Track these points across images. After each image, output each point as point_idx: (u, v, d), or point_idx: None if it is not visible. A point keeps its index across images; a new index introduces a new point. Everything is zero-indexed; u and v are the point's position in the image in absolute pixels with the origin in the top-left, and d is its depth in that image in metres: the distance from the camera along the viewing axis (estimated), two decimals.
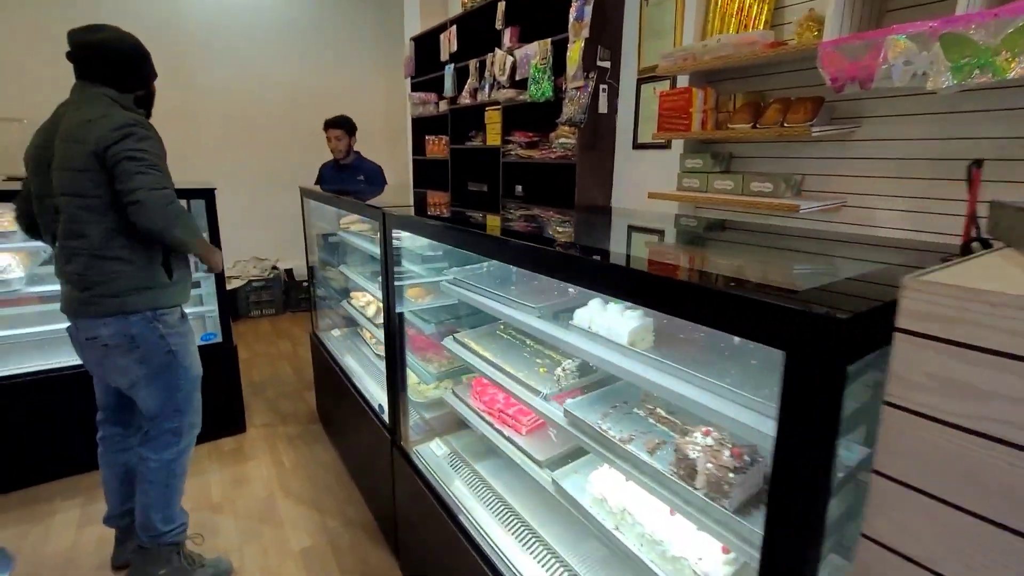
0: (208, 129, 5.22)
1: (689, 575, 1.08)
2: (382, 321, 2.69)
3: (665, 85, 3.06)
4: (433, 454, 1.96)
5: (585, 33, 3.08)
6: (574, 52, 3.16)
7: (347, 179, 4.06)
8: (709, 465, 0.95)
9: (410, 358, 2.12)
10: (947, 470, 0.54)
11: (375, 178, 4.12)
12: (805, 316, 0.59)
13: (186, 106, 4.99)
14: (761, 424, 0.84)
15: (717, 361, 1.08)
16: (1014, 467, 0.50)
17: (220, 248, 2.85)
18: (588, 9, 3.05)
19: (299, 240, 5.43)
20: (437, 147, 4.91)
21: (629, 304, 1.23)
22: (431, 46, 4.79)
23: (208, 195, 2.79)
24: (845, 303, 0.62)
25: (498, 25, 3.82)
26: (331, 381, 2.93)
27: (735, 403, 0.90)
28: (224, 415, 3.09)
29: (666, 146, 3.13)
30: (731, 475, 0.93)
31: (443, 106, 4.69)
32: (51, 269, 2.95)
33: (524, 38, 3.70)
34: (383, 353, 2.80)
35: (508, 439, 1.62)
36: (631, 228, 1.77)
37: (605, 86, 3.26)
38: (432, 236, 1.67)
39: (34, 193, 1.79)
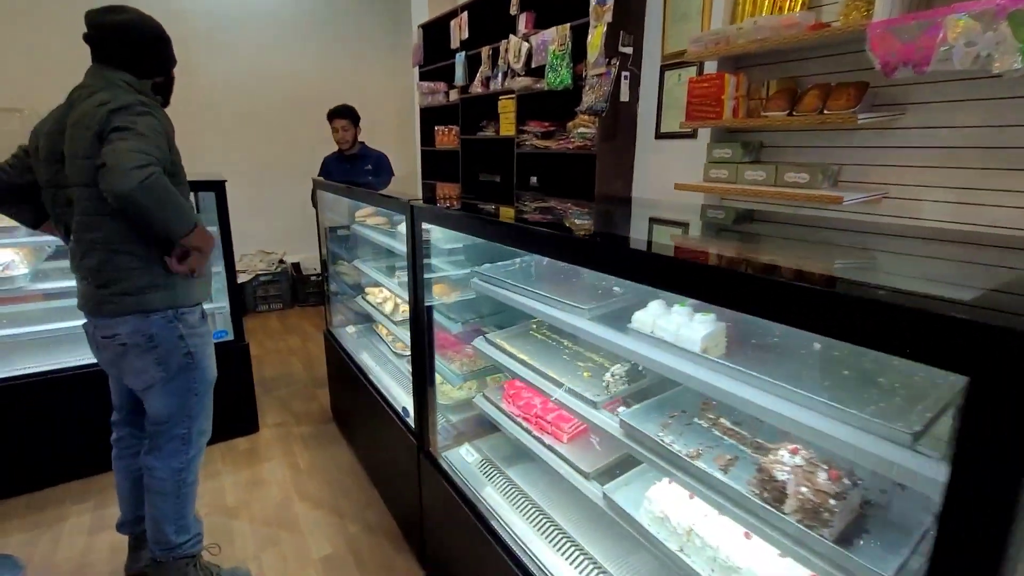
0: (210, 120, 5.09)
1: None
2: (401, 318, 2.60)
3: (691, 72, 2.94)
4: (463, 460, 1.87)
5: (608, 17, 2.95)
6: (596, 37, 3.03)
7: (354, 170, 3.93)
8: (804, 489, 0.85)
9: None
10: None
11: (383, 166, 4.01)
12: (1007, 334, 0.48)
13: (187, 96, 4.85)
14: (876, 446, 0.74)
15: (802, 370, 0.98)
16: None
17: (231, 247, 2.77)
18: None
19: (306, 233, 5.35)
20: (447, 138, 4.78)
21: (690, 306, 1.13)
22: (439, 34, 4.66)
23: (218, 187, 2.68)
24: None
25: (513, 10, 3.69)
26: (347, 380, 2.84)
27: (840, 421, 0.80)
28: (237, 415, 3.00)
29: (692, 135, 3.02)
30: (832, 501, 0.83)
31: (453, 95, 4.57)
32: (56, 265, 2.87)
33: (540, 24, 3.57)
34: (402, 352, 2.72)
35: (549, 447, 1.53)
36: (680, 223, 1.66)
37: (627, 73, 3.14)
38: (467, 230, 1.56)
39: (44, 182, 1.67)
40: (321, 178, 3.23)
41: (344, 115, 3.80)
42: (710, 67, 2.79)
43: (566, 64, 3.27)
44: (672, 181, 2.86)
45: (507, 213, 1.67)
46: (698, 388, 1.00)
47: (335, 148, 4.00)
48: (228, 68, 5.11)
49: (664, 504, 1.16)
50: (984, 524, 0.54)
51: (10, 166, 1.77)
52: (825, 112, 2.18)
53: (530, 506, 1.65)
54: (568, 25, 3.21)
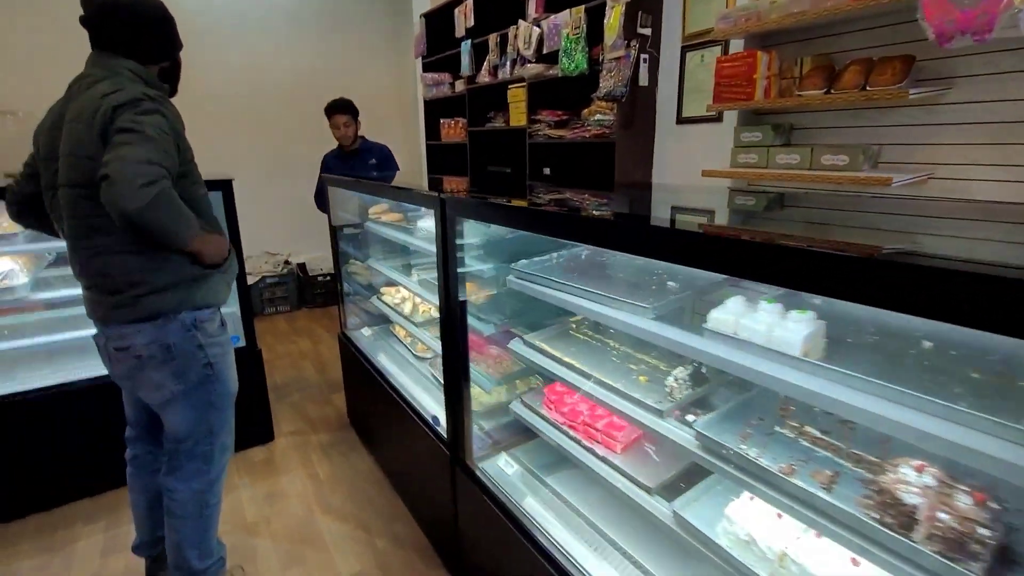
0: (209, 117, 4.92)
1: None
2: (421, 319, 2.48)
3: (716, 52, 2.80)
4: (502, 471, 1.75)
5: None
6: (613, 19, 2.89)
7: (357, 166, 3.75)
8: (944, 516, 0.74)
9: None
10: None
11: (388, 159, 3.83)
12: None
13: (185, 93, 4.71)
14: None
15: (923, 375, 0.86)
16: None
17: (240, 248, 2.64)
18: None
19: (311, 232, 5.21)
20: (454, 130, 4.64)
21: (776, 301, 1.00)
22: (442, 22, 4.51)
23: (225, 186, 2.55)
24: None
25: None
26: (366, 385, 2.72)
27: (996, 436, 0.68)
28: (252, 424, 2.88)
29: (717, 119, 2.88)
30: (981, 530, 0.72)
31: (459, 86, 4.42)
32: (57, 272, 2.73)
33: (550, 7, 3.42)
34: (423, 354, 2.60)
35: (603, 459, 1.41)
36: (743, 210, 1.53)
37: (646, 56, 3.00)
38: (511, 223, 1.43)
39: (45, 184, 1.54)
40: (332, 175, 3.08)
41: (344, 110, 3.58)
42: (735, 47, 2.66)
43: (581, 48, 3.13)
44: (695, 168, 2.73)
45: (549, 203, 1.54)
46: (803, 398, 0.88)
47: (335, 145, 3.83)
48: (224, 62, 4.94)
49: (749, 525, 1.05)
50: None
51: (21, 176, 1.64)
52: (868, 88, 2.05)
53: (582, 522, 1.53)
54: (582, 7, 3.07)
